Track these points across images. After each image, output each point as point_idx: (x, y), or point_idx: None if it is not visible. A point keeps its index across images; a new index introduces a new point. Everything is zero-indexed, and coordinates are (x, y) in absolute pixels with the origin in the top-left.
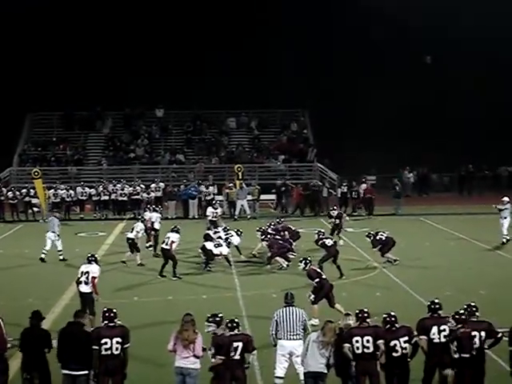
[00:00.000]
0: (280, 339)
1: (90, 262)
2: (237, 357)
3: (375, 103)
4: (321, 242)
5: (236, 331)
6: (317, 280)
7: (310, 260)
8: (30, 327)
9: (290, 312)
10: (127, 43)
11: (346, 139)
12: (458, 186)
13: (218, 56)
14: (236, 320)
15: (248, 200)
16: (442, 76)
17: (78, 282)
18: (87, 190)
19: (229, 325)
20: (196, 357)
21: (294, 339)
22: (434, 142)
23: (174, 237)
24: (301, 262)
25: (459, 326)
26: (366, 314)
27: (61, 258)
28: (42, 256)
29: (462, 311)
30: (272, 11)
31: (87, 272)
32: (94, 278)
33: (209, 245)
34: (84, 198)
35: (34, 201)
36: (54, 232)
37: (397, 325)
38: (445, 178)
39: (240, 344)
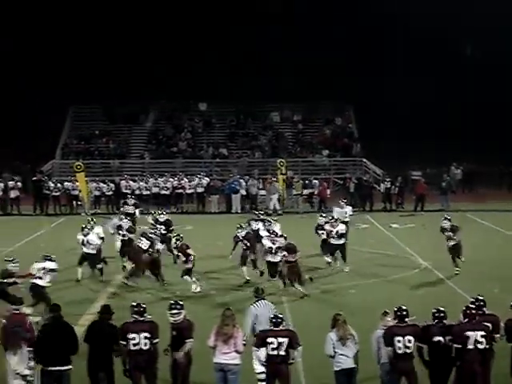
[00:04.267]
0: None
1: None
2: (282, 353)
3: (421, 99)
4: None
5: (281, 327)
6: None
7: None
8: (99, 321)
9: (263, 305)
10: (172, 37)
11: (391, 134)
12: (506, 183)
13: (261, 50)
14: (280, 315)
15: (294, 195)
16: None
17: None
18: (131, 183)
19: (273, 320)
20: (237, 352)
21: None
22: (481, 139)
23: None
24: None
25: (466, 320)
26: (404, 313)
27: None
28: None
29: (472, 306)
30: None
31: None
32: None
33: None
34: (127, 191)
35: (77, 194)
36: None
37: (445, 321)
38: (492, 175)
39: (285, 340)
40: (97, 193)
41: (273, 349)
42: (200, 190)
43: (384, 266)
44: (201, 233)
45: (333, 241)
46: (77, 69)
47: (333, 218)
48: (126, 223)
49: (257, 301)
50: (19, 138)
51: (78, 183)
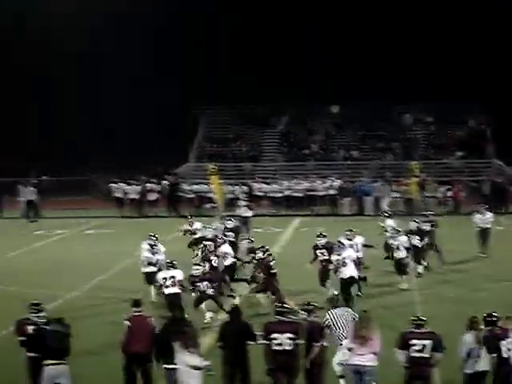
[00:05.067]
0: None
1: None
2: (426, 355)
3: None
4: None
5: (423, 329)
6: None
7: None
8: (230, 321)
9: (340, 311)
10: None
11: None
12: None
13: (390, 49)
14: (423, 318)
15: (426, 197)
16: None
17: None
18: (263, 186)
19: (416, 322)
20: (374, 354)
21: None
22: None
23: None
24: None
25: (489, 328)
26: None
27: None
28: None
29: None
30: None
31: (172, 276)
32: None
33: None
34: (260, 194)
35: (211, 196)
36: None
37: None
38: None
39: (429, 342)
40: (230, 195)
41: (416, 351)
42: (332, 192)
43: None
44: (332, 235)
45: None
46: (211, 71)
47: (394, 228)
48: (231, 224)
49: (334, 307)
50: (154, 142)
51: (212, 186)
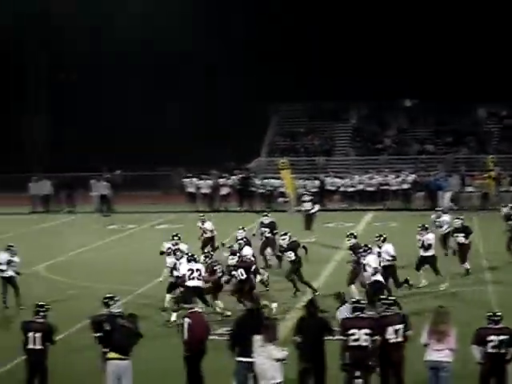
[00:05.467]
0: None
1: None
2: (503, 350)
3: None
4: None
5: (500, 325)
6: None
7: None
8: (307, 316)
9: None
10: (372, 33)
11: None
12: None
13: (465, 44)
14: (499, 313)
15: (501, 191)
16: None
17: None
18: (336, 180)
19: (492, 318)
20: (450, 350)
21: None
22: None
23: None
24: None
25: None
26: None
27: None
28: None
29: None
30: None
31: (198, 269)
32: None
33: None
34: (332, 188)
35: (282, 191)
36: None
37: None
38: None
39: (507, 337)
40: (301, 190)
41: (493, 347)
42: (405, 186)
43: None
44: (405, 230)
45: (421, 252)
46: (281, 65)
47: (423, 226)
48: (266, 219)
49: (343, 304)
50: (226, 137)
51: (283, 180)
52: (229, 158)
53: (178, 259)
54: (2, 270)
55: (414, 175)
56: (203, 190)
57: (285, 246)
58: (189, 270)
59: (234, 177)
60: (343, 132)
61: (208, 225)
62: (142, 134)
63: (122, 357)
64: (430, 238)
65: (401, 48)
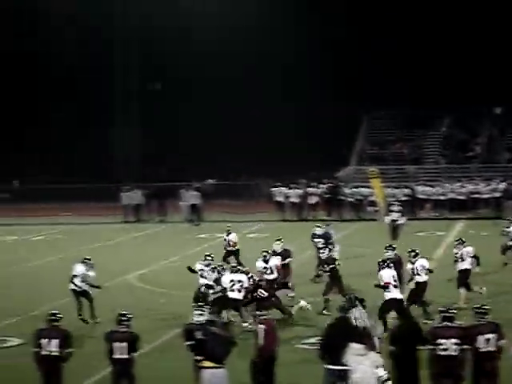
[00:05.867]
0: None
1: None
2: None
3: None
4: None
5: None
6: None
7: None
8: (401, 324)
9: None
10: (463, 40)
11: None
12: None
13: None
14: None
15: None
16: None
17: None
18: (426, 188)
19: None
20: None
21: None
22: None
23: None
24: None
25: None
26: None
27: None
28: None
29: None
30: None
31: (240, 281)
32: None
33: None
34: (423, 197)
35: (372, 200)
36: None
37: None
38: None
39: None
40: (391, 199)
41: None
42: (497, 194)
43: None
44: (496, 240)
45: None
46: (370, 73)
47: (460, 239)
48: (319, 230)
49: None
50: (315, 145)
51: (374, 189)
52: (318, 167)
53: (220, 273)
54: (75, 284)
55: (505, 183)
56: (292, 199)
57: (323, 258)
58: (231, 281)
59: (322, 186)
60: (433, 140)
61: (233, 237)
62: (232, 144)
63: (217, 365)
64: (469, 250)
65: (491, 55)
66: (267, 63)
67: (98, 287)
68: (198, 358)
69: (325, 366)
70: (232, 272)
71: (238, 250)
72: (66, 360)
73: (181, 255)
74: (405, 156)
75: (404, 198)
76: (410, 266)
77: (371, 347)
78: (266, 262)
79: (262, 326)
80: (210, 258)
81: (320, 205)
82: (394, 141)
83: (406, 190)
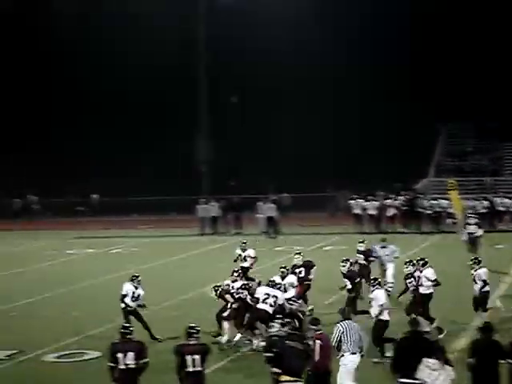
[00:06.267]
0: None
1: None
2: None
3: None
4: None
5: None
6: None
7: None
8: (482, 338)
9: (348, 324)
10: None
11: None
12: None
13: None
14: None
15: None
16: None
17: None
18: (505, 200)
19: None
20: None
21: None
22: None
23: None
24: None
25: None
26: None
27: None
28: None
29: None
30: None
31: (275, 296)
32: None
33: None
34: (502, 209)
35: (451, 212)
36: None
37: None
38: None
39: None
40: (469, 211)
41: None
42: None
43: None
44: None
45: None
46: (448, 84)
47: (475, 259)
48: (362, 246)
49: (343, 320)
50: (393, 157)
51: (452, 201)
52: (395, 179)
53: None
54: (126, 303)
55: None
56: (369, 212)
57: (344, 272)
58: (265, 294)
59: (400, 197)
60: (511, 151)
61: (251, 252)
62: (307, 157)
63: (294, 379)
64: (483, 272)
65: None
66: (351, 76)
67: (143, 306)
68: (276, 370)
69: (398, 380)
70: (268, 286)
71: (251, 266)
72: (142, 371)
73: (258, 268)
74: (483, 167)
75: (483, 210)
76: (417, 273)
77: (444, 361)
78: (283, 278)
79: (318, 342)
80: (285, 271)
81: (398, 217)
82: (472, 152)
83: (485, 202)
